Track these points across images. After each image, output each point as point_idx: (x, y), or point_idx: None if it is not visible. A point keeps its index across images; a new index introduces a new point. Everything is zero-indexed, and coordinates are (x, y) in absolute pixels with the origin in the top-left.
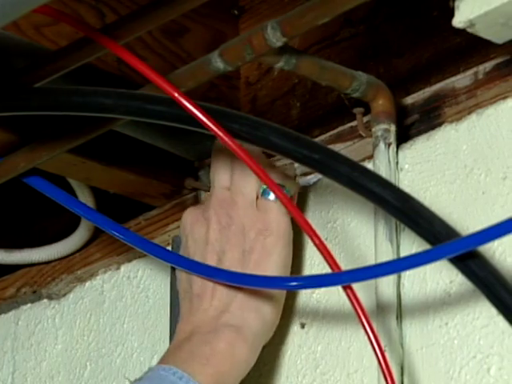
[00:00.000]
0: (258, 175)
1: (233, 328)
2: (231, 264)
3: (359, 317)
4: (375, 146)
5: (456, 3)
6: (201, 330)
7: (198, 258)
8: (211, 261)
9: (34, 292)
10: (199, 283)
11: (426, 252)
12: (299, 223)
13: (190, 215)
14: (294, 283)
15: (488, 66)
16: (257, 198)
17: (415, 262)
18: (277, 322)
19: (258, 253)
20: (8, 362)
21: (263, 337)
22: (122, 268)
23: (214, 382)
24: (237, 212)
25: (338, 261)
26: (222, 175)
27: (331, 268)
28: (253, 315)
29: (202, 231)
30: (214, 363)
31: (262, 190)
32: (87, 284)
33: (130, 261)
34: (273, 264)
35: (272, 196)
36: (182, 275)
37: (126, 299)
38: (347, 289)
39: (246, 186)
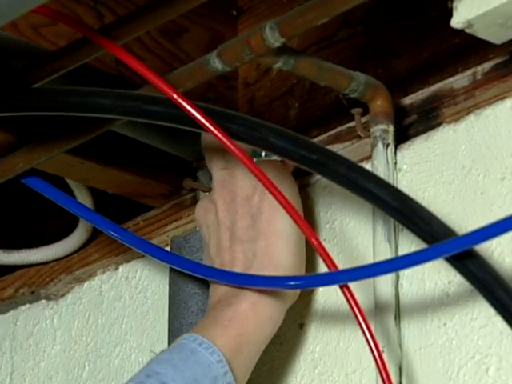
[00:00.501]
0: (256, 175)
1: (254, 290)
2: (243, 233)
3: (356, 316)
4: (373, 146)
5: (454, 4)
6: (225, 297)
7: (213, 243)
8: (225, 239)
9: (33, 292)
10: (218, 260)
11: (423, 251)
12: (297, 224)
13: (200, 207)
14: (292, 283)
15: (486, 66)
16: None
17: (412, 261)
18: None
19: (266, 212)
20: (6, 363)
21: (287, 297)
22: (121, 268)
23: (236, 344)
24: (237, 184)
25: (336, 261)
26: (217, 159)
27: (329, 268)
28: (273, 273)
29: (212, 216)
30: (235, 325)
31: (252, 154)
32: (85, 284)
33: (128, 261)
34: (283, 216)
35: (263, 154)
36: (207, 255)
37: (125, 300)
38: (344, 288)
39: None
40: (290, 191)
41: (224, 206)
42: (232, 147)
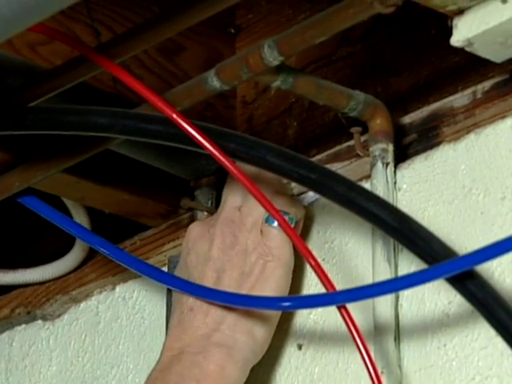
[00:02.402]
0: (256, 197)
1: (223, 348)
2: (229, 283)
3: (353, 337)
4: (373, 165)
5: (454, 22)
6: (190, 350)
7: (197, 273)
8: (210, 278)
9: (29, 313)
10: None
11: (422, 271)
12: (294, 243)
13: (195, 229)
14: (287, 303)
15: (486, 85)
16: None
17: (412, 281)
18: (268, 343)
19: (256, 276)
20: None
21: (253, 358)
22: (118, 289)
23: None
24: (243, 233)
25: (334, 282)
26: (235, 195)
27: (326, 289)
28: (244, 336)
29: (205, 247)
30: None
31: (265, 216)
32: (82, 305)
33: (125, 281)
34: (268, 290)
35: (276, 223)
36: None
37: (122, 320)
38: (342, 309)
39: (257, 209)
40: (284, 260)
41: (221, 246)
42: (230, 166)
